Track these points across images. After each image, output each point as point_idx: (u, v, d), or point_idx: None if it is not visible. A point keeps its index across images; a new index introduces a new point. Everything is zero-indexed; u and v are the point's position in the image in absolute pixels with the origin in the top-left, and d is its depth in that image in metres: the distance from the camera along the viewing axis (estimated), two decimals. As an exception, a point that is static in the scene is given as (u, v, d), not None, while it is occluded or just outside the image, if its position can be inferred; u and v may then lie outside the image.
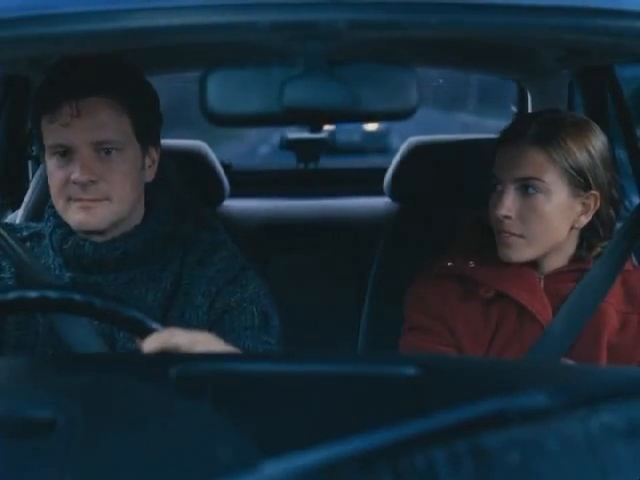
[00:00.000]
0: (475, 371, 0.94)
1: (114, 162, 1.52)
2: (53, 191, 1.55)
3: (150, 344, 1.09)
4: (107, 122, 1.52)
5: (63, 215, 1.55)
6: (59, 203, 1.54)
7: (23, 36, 1.17)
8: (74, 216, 1.53)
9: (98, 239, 1.56)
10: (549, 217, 1.62)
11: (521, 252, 1.64)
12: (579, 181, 1.62)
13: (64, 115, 1.50)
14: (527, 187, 1.61)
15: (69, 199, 1.52)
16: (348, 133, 11.91)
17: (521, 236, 1.62)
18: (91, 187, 1.51)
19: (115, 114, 1.52)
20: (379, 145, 12.05)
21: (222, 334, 1.52)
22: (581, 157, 1.62)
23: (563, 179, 1.62)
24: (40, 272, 1.56)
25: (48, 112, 1.51)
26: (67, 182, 1.52)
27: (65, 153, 1.52)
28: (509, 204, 1.61)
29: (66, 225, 1.57)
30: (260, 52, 1.28)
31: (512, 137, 1.64)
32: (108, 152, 1.52)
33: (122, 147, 1.53)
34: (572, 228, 1.66)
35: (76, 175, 1.50)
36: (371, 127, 12.66)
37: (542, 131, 1.61)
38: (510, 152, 1.63)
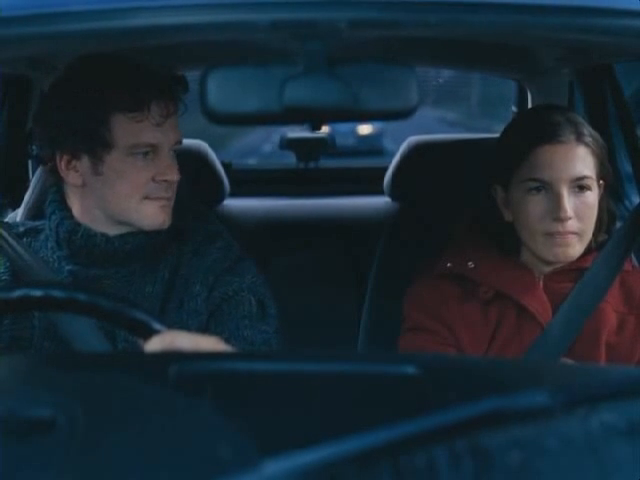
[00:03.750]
0: (475, 370, 0.94)
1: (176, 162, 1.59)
2: (125, 191, 1.54)
3: (153, 346, 1.09)
4: (177, 124, 1.58)
5: (129, 213, 1.56)
6: (131, 201, 1.55)
7: (23, 35, 1.17)
8: (151, 214, 1.55)
9: (108, 232, 1.57)
10: (595, 210, 1.65)
11: (576, 249, 1.64)
12: (602, 171, 1.65)
13: (155, 115, 1.52)
14: (579, 185, 1.62)
15: (146, 198, 1.54)
16: (343, 136, 12.07)
17: (576, 233, 1.63)
18: (172, 187, 1.57)
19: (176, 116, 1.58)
20: (373, 147, 12.61)
21: (220, 323, 1.55)
22: (602, 147, 1.66)
23: (597, 170, 1.65)
24: (38, 267, 1.56)
25: (133, 110, 1.51)
26: (148, 181, 1.54)
27: (148, 153, 1.53)
28: (570, 205, 1.61)
29: (72, 217, 1.58)
30: (260, 51, 1.28)
31: (552, 137, 1.62)
32: (174, 152, 1.58)
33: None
34: None
35: (170, 176, 1.55)
36: (365, 130, 12.84)
37: (577, 127, 1.63)
38: (559, 153, 1.62)
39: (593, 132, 1.66)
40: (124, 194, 1.54)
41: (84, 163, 1.54)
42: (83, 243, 1.57)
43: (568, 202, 1.60)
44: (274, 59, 1.08)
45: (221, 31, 1.19)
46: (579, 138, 1.62)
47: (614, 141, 2.34)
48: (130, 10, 1.11)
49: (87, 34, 1.17)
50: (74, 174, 1.56)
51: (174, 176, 1.55)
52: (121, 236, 1.58)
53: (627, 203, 2.33)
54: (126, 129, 1.52)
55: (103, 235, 1.57)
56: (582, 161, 1.62)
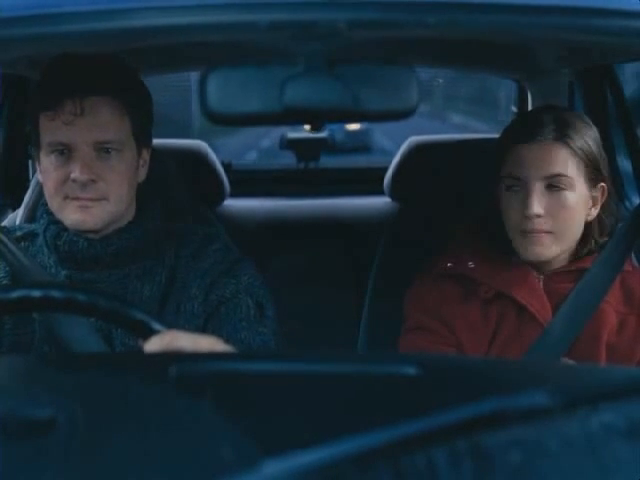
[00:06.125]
0: (475, 371, 0.94)
1: (113, 162, 1.53)
2: (49, 189, 1.54)
3: (152, 346, 1.09)
4: (109, 122, 1.52)
5: (59, 214, 1.55)
6: (55, 201, 1.54)
7: (23, 36, 1.17)
8: (71, 215, 1.53)
9: (92, 236, 1.56)
10: (575, 212, 1.64)
11: (550, 249, 1.64)
12: (593, 173, 1.64)
13: (66, 113, 1.49)
14: (554, 184, 1.61)
15: (66, 198, 1.52)
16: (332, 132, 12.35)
17: (551, 232, 1.62)
18: (90, 186, 1.51)
19: (117, 114, 1.53)
20: (361, 143, 13.13)
21: (218, 325, 1.54)
22: (594, 149, 1.64)
23: (582, 172, 1.63)
24: (36, 271, 1.56)
25: (49, 109, 1.50)
26: (65, 181, 1.51)
27: (64, 151, 1.51)
28: (540, 202, 1.61)
29: (60, 222, 1.58)
30: (260, 51, 1.28)
31: (531, 136, 1.62)
32: (107, 152, 1.52)
33: (121, 148, 1.53)
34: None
35: (76, 174, 1.49)
36: (353, 127, 13.09)
37: (561, 127, 1.62)
38: (533, 151, 1.62)
39: (587, 136, 1.64)
40: (50, 193, 1.55)
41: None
42: (67, 248, 1.57)
43: (540, 200, 1.60)
44: (274, 60, 1.08)
45: (221, 32, 1.19)
46: (559, 138, 1.61)
47: (614, 141, 2.34)
48: (130, 11, 1.11)
49: (87, 35, 1.17)
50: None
51: (82, 176, 1.49)
52: (104, 238, 1.57)
53: (627, 203, 2.32)
54: (44, 127, 1.52)
55: (86, 239, 1.56)
56: (559, 160, 1.61)
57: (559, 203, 1.62)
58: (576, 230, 1.66)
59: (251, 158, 12.31)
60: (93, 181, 1.51)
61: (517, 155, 1.63)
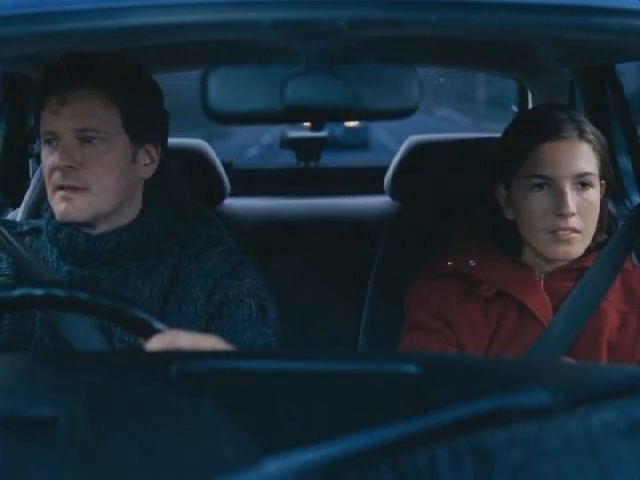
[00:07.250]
0: (476, 369, 0.94)
1: (97, 151, 1.53)
2: (46, 179, 1.57)
3: (154, 345, 1.09)
4: (92, 111, 1.53)
5: (51, 205, 1.57)
6: (48, 191, 1.56)
7: (23, 34, 1.17)
8: (56, 206, 1.54)
9: (90, 231, 1.57)
10: (597, 209, 1.64)
11: (578, 247, 1.63)
12: (604, 168, 1.65)
13: (52, 103, 1.52)
14: (582, 182, 1.61)
15: (54, 188, 1.54)
16: (331, 128, 12.64)
17: (580, 231, 1.62)
18: (71, 174, 1.52)
19: (102, 104, 1.54)
20: (359, 139, 13.64)
21: (220, 326, 1.54)
22: (604, 145, 1.65)
23: (599, 168, 1.64)
24: (38, 265, 1.57)
25: (42, 100, 1.54)
26: (53, 169, 1.53)
27: (52, 140, 1.54)
28: (573, 201, 1.60)
29: None
30: (261, 50, 1.28)
31: (555, 134, 1.62)
32: (90, 140, 1.53)
33: (107, 137, 1.54)
34: None
35: (56, 161, 1.52)
36: (352, 123, 13.39)
37: (579, 124, 1.62)
38: (560, 149, 1.62)
39: (595, 130, 1.66)
40: (46, 183, 1.57)
41: None
42: (67, 243, 1.57)
43: (571, 198, 1.60)
44: (275, 58, 1.08)
45: (222, 30, 1.19)
46: (581, 135, 1.62)
47: (615, 141, 2.34)
48: (131, 9, 1.11)
49: (87, 33, 1.17)
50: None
51: (61, 162, 1.51)
52: (102, 235, 1.57)
53: (627, 203, 2.32)
54: (41, 118, 1.56)
55: (85, 235, 1.57)
56: (584, 158, 1.62)
57: (587, 201, 1.62)
58: (595, 227, 1.66)
59: (267, 140, 13.34)
60: (72, 168, 1.52)
61: (543, 154, 1.62)
